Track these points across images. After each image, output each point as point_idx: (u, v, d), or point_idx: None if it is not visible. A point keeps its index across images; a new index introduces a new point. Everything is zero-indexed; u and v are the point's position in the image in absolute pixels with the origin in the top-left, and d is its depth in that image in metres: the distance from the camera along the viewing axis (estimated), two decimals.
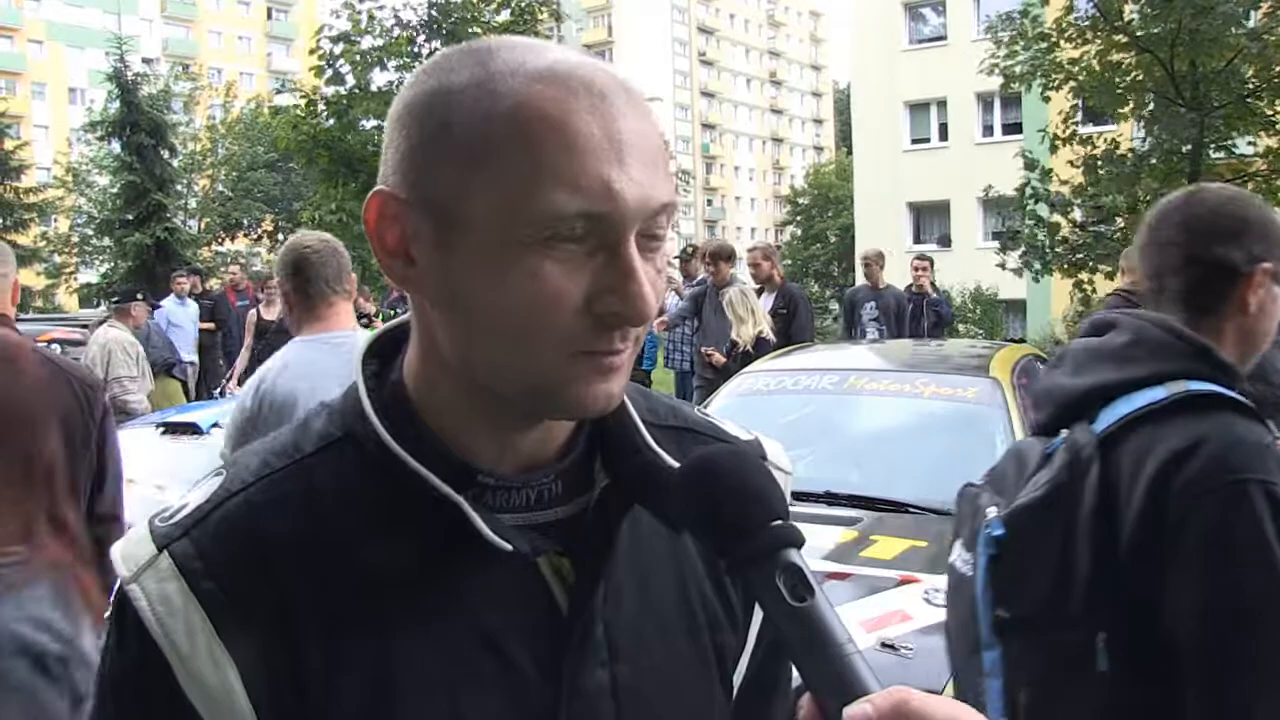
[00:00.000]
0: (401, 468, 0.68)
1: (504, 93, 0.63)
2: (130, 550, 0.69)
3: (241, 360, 8.62)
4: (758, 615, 0.83)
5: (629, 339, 0.67)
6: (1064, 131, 12.38)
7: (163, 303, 9.92)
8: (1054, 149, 12.54)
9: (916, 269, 9.11)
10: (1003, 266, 13.41)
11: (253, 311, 9.04)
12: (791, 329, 7.09)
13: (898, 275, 10.19)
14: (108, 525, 2.54)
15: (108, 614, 0.70)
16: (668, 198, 0.65)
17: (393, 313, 8.83)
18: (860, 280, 9.94)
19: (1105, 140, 12.33)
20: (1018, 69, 12.09)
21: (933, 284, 9.09)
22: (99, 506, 2.51)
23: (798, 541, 0.63)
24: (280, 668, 0.65)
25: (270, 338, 8.77)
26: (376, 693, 0.66)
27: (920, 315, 8.73)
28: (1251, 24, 10.69)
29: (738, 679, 0.84)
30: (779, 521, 0.64)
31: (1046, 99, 12.26)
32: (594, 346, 0.65)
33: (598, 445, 0.76)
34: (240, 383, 7.97)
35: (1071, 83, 11.88)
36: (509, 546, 0.67)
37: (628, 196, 0.62)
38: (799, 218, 49.13)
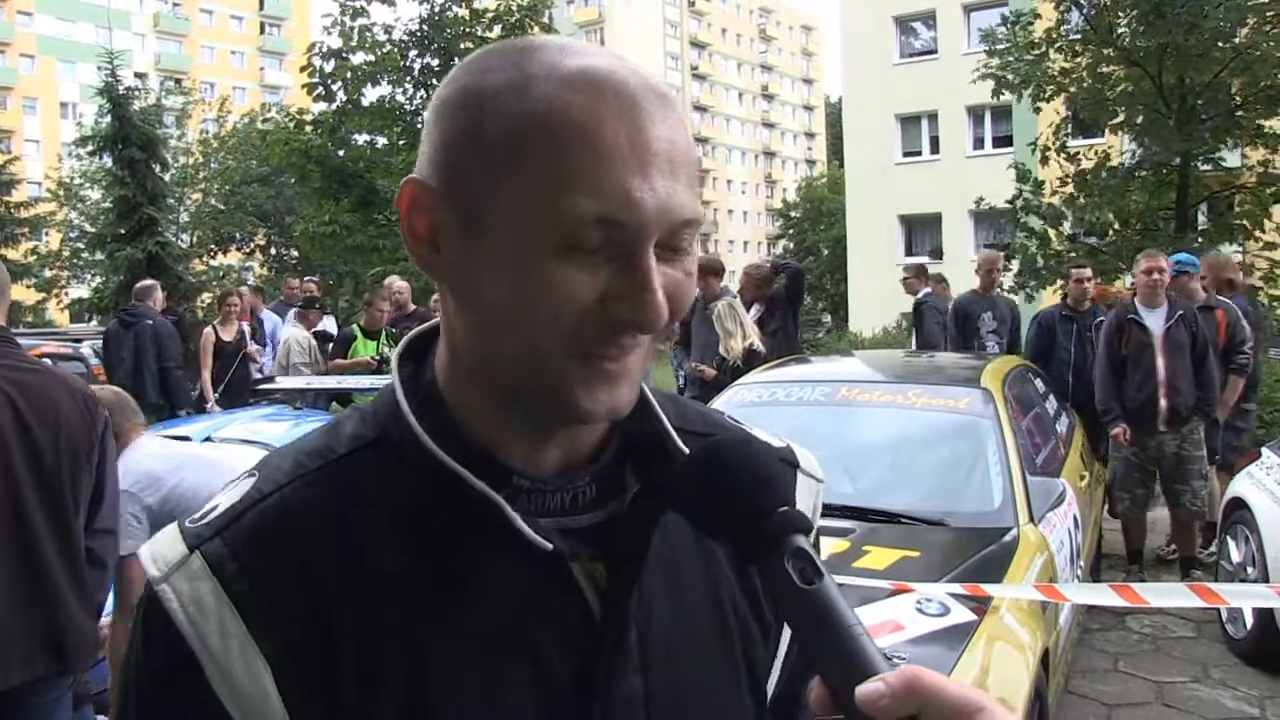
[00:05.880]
0: (439, 468, 0.68)
1: (536, 96, 0.63)
2: (160, 550, 0.67)
3: (205, 382, 8.25)
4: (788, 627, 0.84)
5: (634, 343, 0.66)
6: (1054, 143, 12.43)
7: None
8: (1044, 160, 12.59)
9: (1081, 281, 6.90)
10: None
11: (208, 330, 8.52)
12: (795, 290, 7.65)
13: (897, 289, 9.91)
14: (104, 539, 2.54)
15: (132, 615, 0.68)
16: (690, 213, 0.65)
17: (393, 329, 8.75)
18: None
19: (1096, 153, 12.38)
20: (1010, 76, 12.09)
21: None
22: (96, 520, 2.51)
23: (805, 527, 0.64)
24: (314, 670, 0.64)
25: (228, 360, 8.36)
26: (412, 695, 0.65)
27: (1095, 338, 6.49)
28: (1238, 39, 10.75)
29: (770, 690, 0.83)
30: (785, 508, 0.64)
31: (1038, 110, 12.31)
32: (598, 348, 0.64)
33: (629, 449, 0.75)
34: (218, 403, 7.87)
35: (1063, 94, 11.91)
36: (549, 545, 0.67)
37: (647, 205, 0.62)
38: (791, 231, 49.33)
